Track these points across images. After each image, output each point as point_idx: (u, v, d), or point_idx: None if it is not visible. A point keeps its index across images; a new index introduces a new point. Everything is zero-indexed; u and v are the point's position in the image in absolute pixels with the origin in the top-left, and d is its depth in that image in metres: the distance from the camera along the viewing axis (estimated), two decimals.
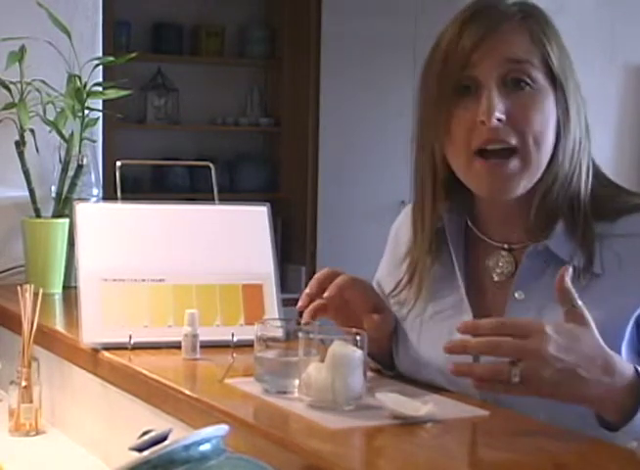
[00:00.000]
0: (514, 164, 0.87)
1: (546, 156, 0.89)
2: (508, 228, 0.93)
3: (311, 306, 0.92)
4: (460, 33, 0.89)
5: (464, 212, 0.95)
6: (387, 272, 1.04)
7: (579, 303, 0.77)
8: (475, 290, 0.94)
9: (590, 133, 0.92)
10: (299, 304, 0.93)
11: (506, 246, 0.93)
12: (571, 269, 0.77)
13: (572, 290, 0.77)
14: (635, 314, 0.86)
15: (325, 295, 0.92)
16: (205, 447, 0.67)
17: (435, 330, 0.94)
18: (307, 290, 0.94)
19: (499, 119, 0.86)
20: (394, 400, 0.80)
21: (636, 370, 0.79)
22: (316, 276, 0.96)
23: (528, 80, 0.87)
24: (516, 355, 0.75)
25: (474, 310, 0.92)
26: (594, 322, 0.79)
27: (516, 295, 0.90)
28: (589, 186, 0.91)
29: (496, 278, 0.93)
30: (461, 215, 0.95)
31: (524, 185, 0.89)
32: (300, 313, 0.92)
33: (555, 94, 0.89)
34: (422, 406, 0.79)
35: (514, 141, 0.87)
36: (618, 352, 0.85)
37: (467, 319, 0.91)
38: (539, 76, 0.88)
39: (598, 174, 0.93)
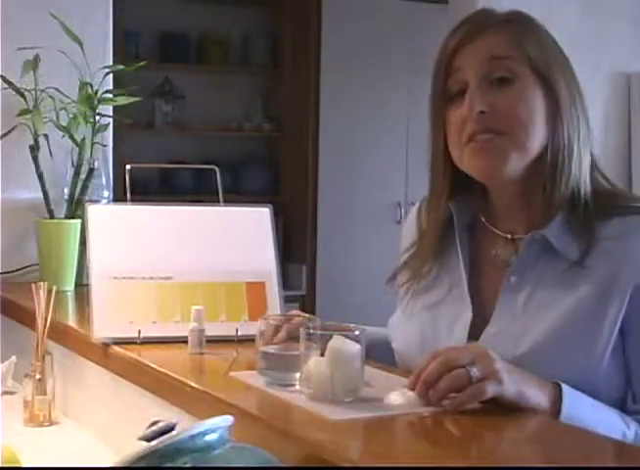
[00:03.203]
0: (500, 141, 0.90)
1: (535, 141, 0.91)
2: (513, 219, 0.96)
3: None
4: (445, 44, 0.94)
5: (474, 205, 0.99)
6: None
7: None
8: (475, 275, 0.97)
9: (591, 128, 0.94)
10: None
11: (509, 236, 0.96)
12: None
13: None
14: (619, 321, 0.88)
15: None
16: (211, 438, 0.68)
17: (436, 314, 0.97)
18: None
19: (482, 112, 0.90)
20: (400, 395, 0.81)
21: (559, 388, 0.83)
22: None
23: (511, 75, 0.91)
24: (467, 358, 0.79)
25: (471, 292, 0.95)
26: (575, 312, 0.84)
27: (511, 280, 0.93)
28: (588, 180, 0.93)
29: (498, 264, 0.96)
30: (470, 209, 0.98)
31: (513, 165, 0.91)
32: None
33: (543, 88, 0.91)
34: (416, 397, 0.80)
35: (500, 127, 0.90)
36: (601, 359, 0.87)
37: (466, 303, 0.94)
38: (523, 70, 0.91)
39: (599, 170, 0.95)
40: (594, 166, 0.95)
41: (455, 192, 0.97)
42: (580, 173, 0.93)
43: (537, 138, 0.91)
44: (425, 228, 1.01)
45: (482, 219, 0.99)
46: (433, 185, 0.99)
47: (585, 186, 0.93)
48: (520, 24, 0.93)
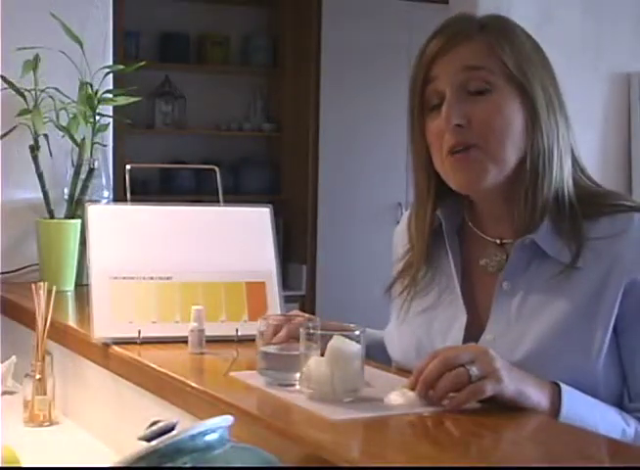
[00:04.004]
0: (475, 154, 0.91)
1: (513, 152, 0.92)
2: (500, 225, 0.97)
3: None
4: (422, 53, 0.94)
5: (461, 212, 0.99)
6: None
7: None
8: (467, 281, 0.97)
9: (572, 130, 0.95)
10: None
11: (498, 241, 0.97)
12: None
13: None
14: (612, 321, 0.88)
15: None
16: (211, 437, 0.68)
17: (431, 318, 0.98)
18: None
19: (459, 125, 0.90)
20: (400, 395, 0.82)
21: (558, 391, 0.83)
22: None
23: (487, 86, 0.91)
24: (466, 357, 0.80)
25: (464, 299, 0.96)
26: (569, 313, 0.84)
27: (503, 285, 0.93)
28: (571, 180, 0.93)
29: (490, 270, 0.96)
30: (458, 214, 0.99)
31: (490, 177, 0.92)
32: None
33: (520, 96, 0.92)
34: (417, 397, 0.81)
35: (476, 140, 0.91)
36: (597, 360, 0.88)
37: (460, 308, 0.95)
38: (499, 81, 0.91)
39: (580, 168, 0.95)
40: (576, 166, 0.95)
41: (441, 197, 0.98)
42: (563, 175, 0.93)
43: (515, 148, 0.92)
44: (414, 237, 1.01)
45: (470, 224, 0.99)
46: (418, 193, 0.99)
47: (569, 187, 0.93)
48: (495, 31, 0.93)
